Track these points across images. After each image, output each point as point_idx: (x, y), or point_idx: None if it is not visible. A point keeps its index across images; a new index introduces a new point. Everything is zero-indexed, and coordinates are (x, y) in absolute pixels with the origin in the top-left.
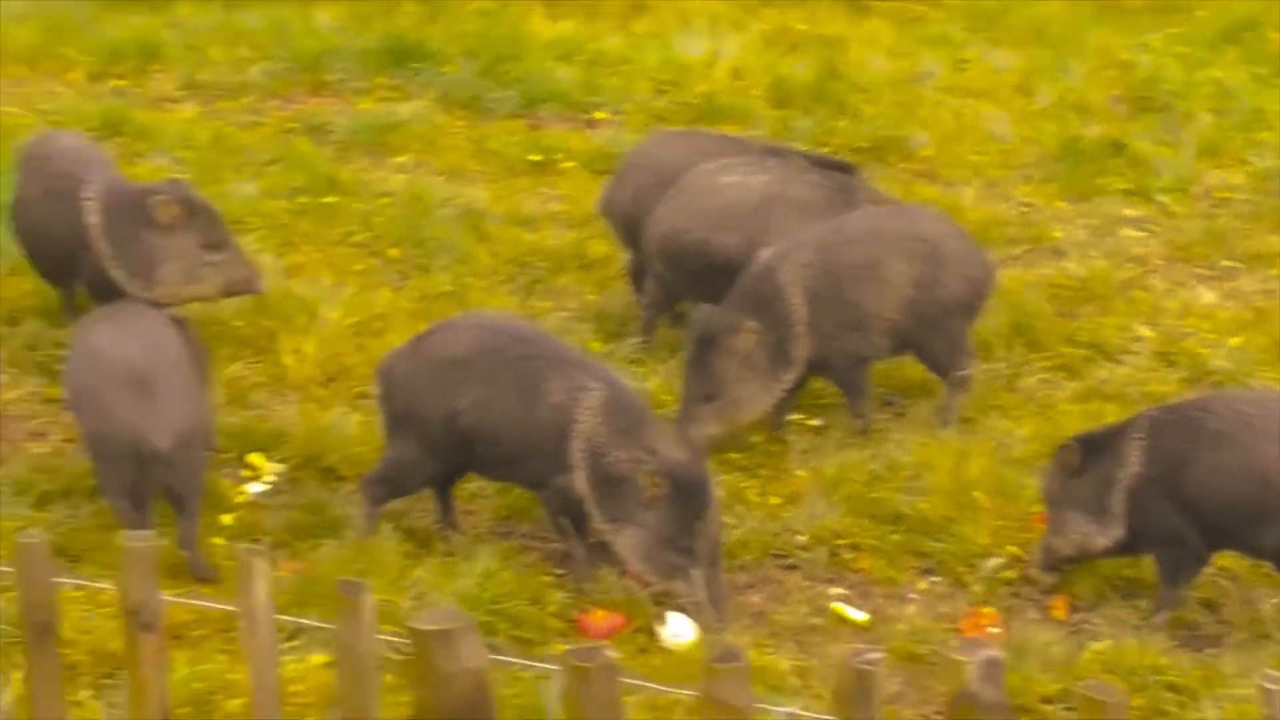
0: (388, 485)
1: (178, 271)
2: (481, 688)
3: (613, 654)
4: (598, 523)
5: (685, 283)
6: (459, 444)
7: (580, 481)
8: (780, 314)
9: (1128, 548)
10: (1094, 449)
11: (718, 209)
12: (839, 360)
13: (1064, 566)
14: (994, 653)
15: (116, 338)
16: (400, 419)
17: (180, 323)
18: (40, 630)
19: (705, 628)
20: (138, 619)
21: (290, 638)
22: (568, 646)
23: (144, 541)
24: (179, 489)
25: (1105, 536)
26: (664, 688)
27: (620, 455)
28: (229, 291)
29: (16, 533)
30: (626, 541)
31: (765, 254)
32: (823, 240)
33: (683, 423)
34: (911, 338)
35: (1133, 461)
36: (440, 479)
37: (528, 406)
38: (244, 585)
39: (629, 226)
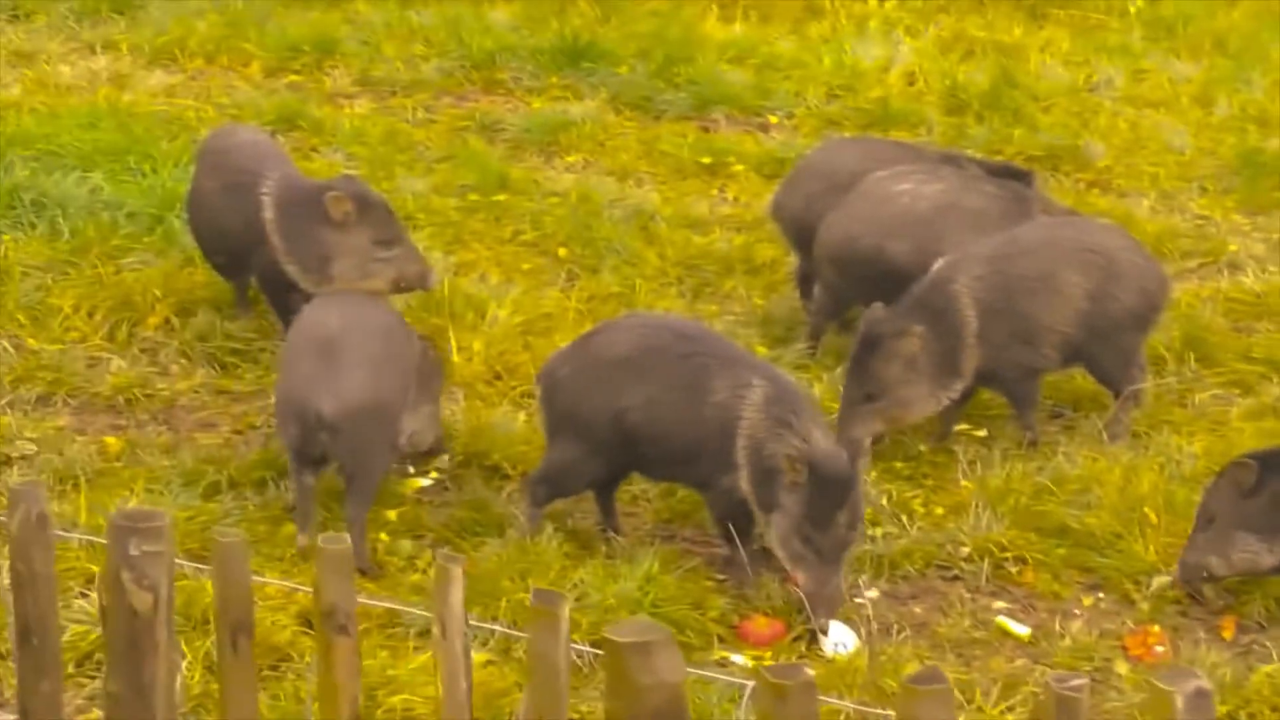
0: (550, 486)
1: (350, 267)
2: (676, 701)
3: (811, 672)
4: (760, 521)
5: (856, 290)
6: (624, 444)
7: (744, 480)
8: (951, 325)
9: None
10: (1270, 467)
11: (891, 216)
12: (1009, 372)
13: (1207, 582)
14: (1204, 683)
15: (323, 311)
16: (564, 420)
17: (415, 335)
18: (236, 629)
19: (819, 625)
20: (332, 622)
21: None
22: (729, 654)
23: (340, 544)
24: (346, 463)
25: (1275, 556)
26: (826, 699)
27: (776, 448)
28: (401, 287)
29: (185, 521)
30: (773, 528)
31: (939, 264)
32: (996, 252)
33: (842, 420)
34: (1083, 351)
35: None
36: (604, 480)
37: (693, 405)
38: (440, 591)
39: (799, 231)
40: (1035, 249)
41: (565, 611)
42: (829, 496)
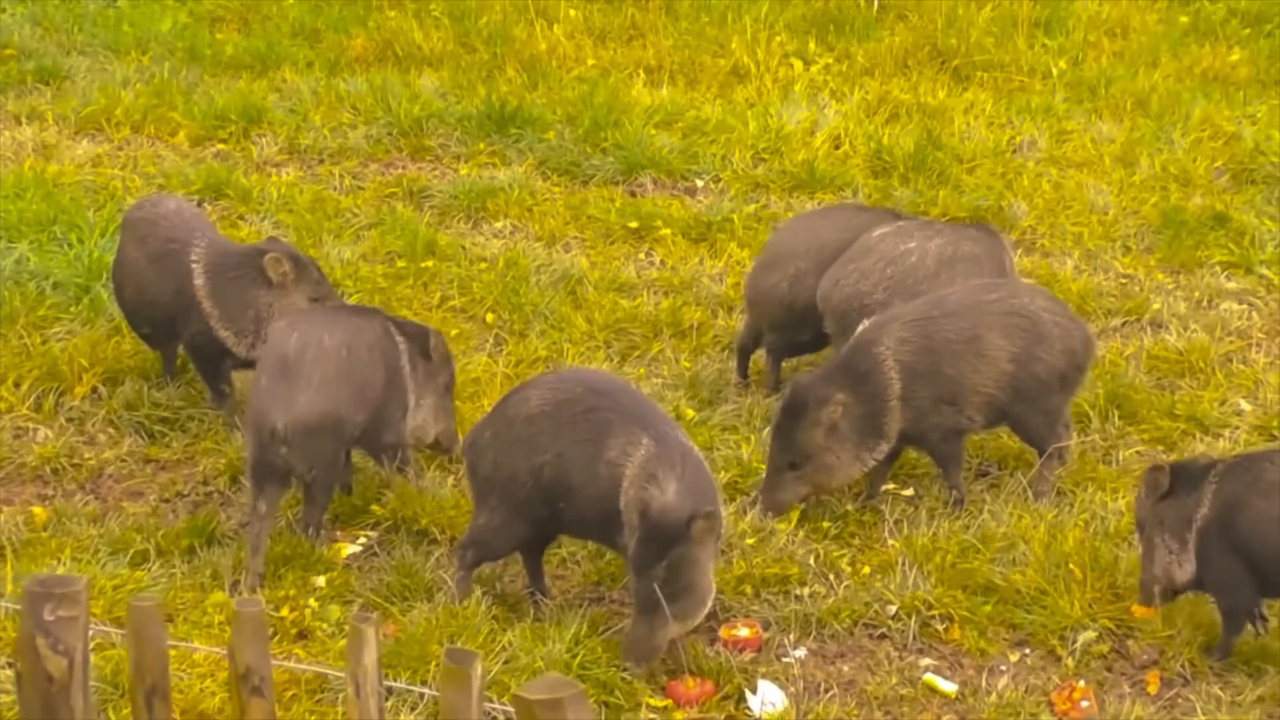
0: (479, 549)
1: None
2: None
3: None
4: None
5: None
6: (543, 501)
7: (630, 539)
8: (875, 387)
9: None
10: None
11: (899, 274)
12: (934, 434)
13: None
14: None
15: (289, 328)
16: (487, 482)
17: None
18: (150, 693)
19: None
20: (247, 684)
21: None
22: (653, 715)
23: (255, 606)
24: (301, 474)
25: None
26: None
27: (640, 498)
28: None
29: (113, 589)
30: None
31: (865, 326)
32: (920, 314)
33: (766, 486)
34: (1009, 412)
35: None
36: (530, 542)
37: (592, 462)
38: (353, 652)
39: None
40: (959, 311)
41: (478, 670)
42: (651, 545)
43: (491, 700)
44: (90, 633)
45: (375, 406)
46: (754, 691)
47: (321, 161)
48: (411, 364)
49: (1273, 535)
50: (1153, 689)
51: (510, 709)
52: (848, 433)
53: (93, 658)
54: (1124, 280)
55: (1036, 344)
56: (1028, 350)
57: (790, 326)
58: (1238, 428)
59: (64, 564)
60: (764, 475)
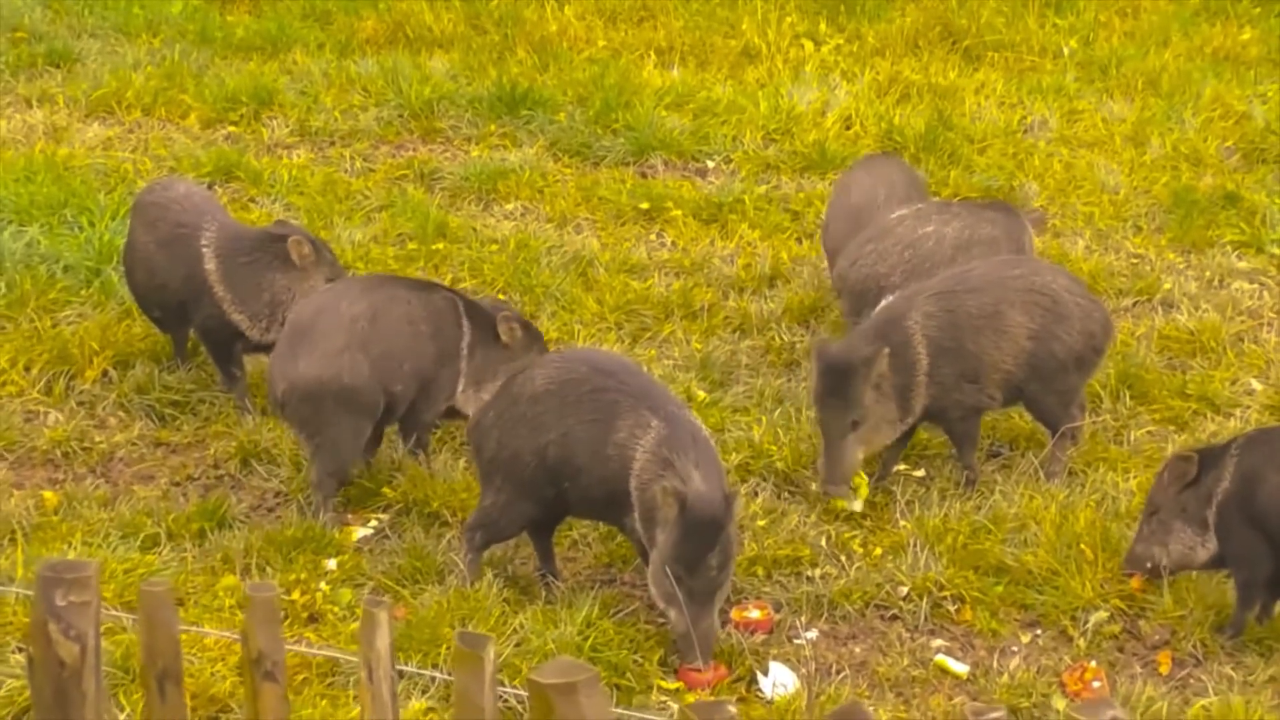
0: (486, 531)
1: None
2: None
3: (734, 709)
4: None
5: None
6: (549, 480)
7: (639, 522)
8: (906, 361)
9: None
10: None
11: (918, 257)
12: (954, 411)
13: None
14: (1118, 712)
15: (315, 299)
16: (492, 463)
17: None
18: (162, 677)
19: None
20: (259, 668)
21: None
22: (664, 697)
23: (268, 591)
24: (301, 434)
25: (1207, 550)
26: None
27: (658, 485)
28: None
29: (123, 573)
30: (650, 564)
31: (893, 299)
32: (944, 289)
33: (828, 464)
34: (1026, 390)
35: None
36: (537, 522)
37: (600, 442)
38: (366, 636)
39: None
40: (981, 288)
41: (491, 654)
42: (699, 537)
43: (504, 684)
44: (100, 617)
45: (419, 381)
46: (765, 673)
47: (332, 144)
48: (470, 349)
49: None
50: (1164, 669)
51: (520, 692)
52: (888, 391)
53: (103, 642)
54: (1135, 260)
55: (1056, 323)
56: (1047, 329)
57: None
58: (1249, 407)
59: (74, 548)
60: (821, 454)
